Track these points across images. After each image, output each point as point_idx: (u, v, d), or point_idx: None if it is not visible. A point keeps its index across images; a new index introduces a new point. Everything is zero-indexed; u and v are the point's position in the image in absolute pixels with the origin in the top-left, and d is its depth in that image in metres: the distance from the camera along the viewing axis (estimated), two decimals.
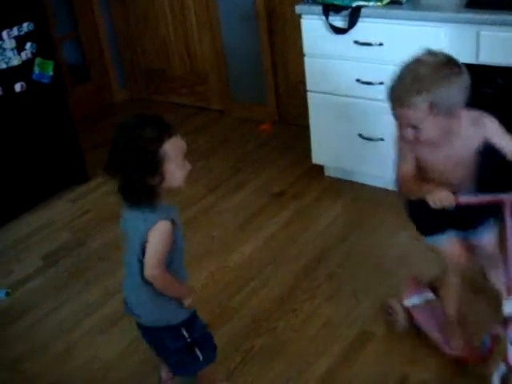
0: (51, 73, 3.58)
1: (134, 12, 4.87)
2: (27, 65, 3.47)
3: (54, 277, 3.13)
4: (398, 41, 2.97)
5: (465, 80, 1.87)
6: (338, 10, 3.05)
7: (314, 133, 3.46)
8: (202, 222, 3.40)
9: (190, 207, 3.52)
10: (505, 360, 1.96)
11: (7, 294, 3.03)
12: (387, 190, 3.37)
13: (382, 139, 3.20)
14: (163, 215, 1.87)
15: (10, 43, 3.36)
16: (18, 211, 3.64)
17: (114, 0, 4.89)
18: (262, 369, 2.42)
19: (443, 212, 1.94)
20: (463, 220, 2.18)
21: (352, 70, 3.16)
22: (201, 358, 2.08)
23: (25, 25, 3.41)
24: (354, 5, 2.99)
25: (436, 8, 2.87)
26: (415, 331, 2.43)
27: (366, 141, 3.26)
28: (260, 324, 2.64)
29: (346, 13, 3.03)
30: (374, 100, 3.14)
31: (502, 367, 1.97)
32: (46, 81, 3.57)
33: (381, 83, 3.06)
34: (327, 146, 3.45)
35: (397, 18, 2.93)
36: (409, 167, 2.08)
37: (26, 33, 3.42)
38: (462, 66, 1.89)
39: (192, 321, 2.05)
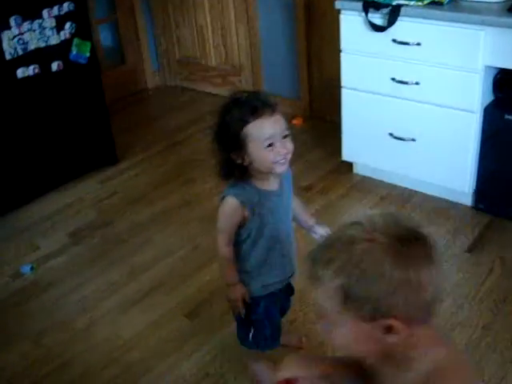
0: (88, 54, 3.61)
1: None
2: (65, 45, 3.50)
3: (78, 255, 3.16)
4: (437, 42, 2.95)
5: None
6: (377, 7, 3.04)
7: (345, 129, 3.45)
8: None
9: (216, 195, 3.48)
10: None
11: (32, 268, 3.08)
12: (415, 191, 3.37)
13: (413, 139, 3.19)
14: (235, 192, 1.89)
15: (49, 22, 3.39)
16: (47, 188, 3.68)
17: None
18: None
19: None
20: None
21: (388, 68, 3.14)
22: (250, 338, 2.13)
23: (65, 4, 3.44)
24: (394, 3, 2.98)
25: (477, 11, 2.84)
26: None
27: (397, 140, 3.25)
28: None
29: (385, 11, 3.01)
30: (407, 100, 3.14)
31: None
32: (82, 61, 3.60)
33: (416, 83, 3.06)
34: (358, 144, 3.45)
35: (436, 19, 2.91)
36: None
37: (66, 12, 3.45)
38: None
39: (254, 303, 2.06)
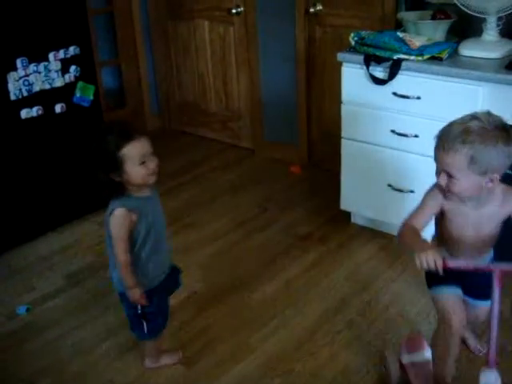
0: (92, 97, 3.66)
1: (175, 45, 4.98)
2: (69, 87, 3.55)
3: (75, 297, 3.15)
4: (436, 96, 3.00)
5: (510, 149, 1.89)
6: (379, 61, 3.10)
7: (344, 179, 3.49)
8: (226, 258, 3.42)
9: (214, 241, 3.55)
10: None
11: (28, 310, 3.06)
12: None
13: (412, 191, 3.22)
14: (121, 202, 2.25)
15: (55, 65, 3.45)
16: (45, 229, 3.69)
17: (155, 31, 5.01)
18: None
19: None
20: (475, 286, 2.19)
21: (388, 120, 3.20)
22: (145, 330, 2.45)
23: (71, 48, 3.50)
24: (395, 57, 3.04)
25: (476, 67, 2.91)
26: None
27: (396, 192, 3.28)
28: (277, 365, 2.63)
29: (386, 64, 3.08)
30: (407, 152, 3.18)
31: None
32: (85, 104, 3.64)
33: (416, 136, 3.11)
34: (356, 193, 3.48)
35: (436, 74, 2.97)
36: (419, 220, 2.10)
37: (71, 56, 3.51)
38: None
39: (148, 296, 2.36)
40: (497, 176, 1.93)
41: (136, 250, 2.33)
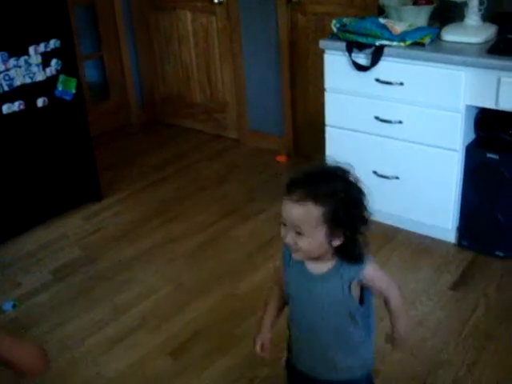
0: (74, 90, 3.62)
1: (158, 36, 4.94)
2: (51, 81, 3.52)
3: (61, 292, 3.13)
4: (419, 81, 3.00)
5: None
6: (361, 47, 3.09)
7: None
8: (212, 248, 3.41)
9: (200, 232, 3.54)
10: None
11: (14, 306, 3.04)
12: (399, 228, 3.39)
13: (397, 177, 3.22)
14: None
15: (36, 59, 3.41)
16: (30, 225, 3.66)
17: (138, 23, 4.97)
18: None
19: None
20: None
21: (371, 107, 3.19)
22: None
23: (52, 41, 3.46)
24: (377, 43, 3.03)
25: (458, 51, 2.91)
26: None
27: (381, 178, 3.28)
28: None
29: (369, 51, 3.07)
30: (391, 138, 3.18)
31: None
32: (68, 98, 3.61)
33: (399, 122, 3.10)
34: None
35: (418, 59, 2.97)
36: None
37: (52, 49, 3.47)
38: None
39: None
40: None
41: None
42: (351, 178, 1.68)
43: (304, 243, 1.61)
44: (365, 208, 1.67)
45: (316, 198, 1.58)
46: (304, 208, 1.58)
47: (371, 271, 1.70)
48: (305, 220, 1.59)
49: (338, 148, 3.38)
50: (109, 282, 3.17)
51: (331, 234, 1.61)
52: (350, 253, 1.67)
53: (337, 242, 1.63)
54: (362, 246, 1.68)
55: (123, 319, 2.90)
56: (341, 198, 1.60)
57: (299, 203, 1.58)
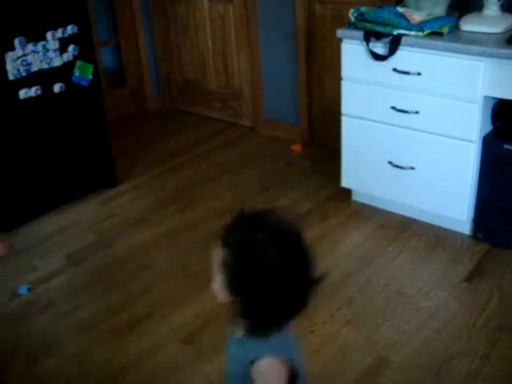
0: (91, 76, 3.63)
1: (175, 23, 4.94)
2: (68, 67, 3.53)
3: (76, 277, 3.16)
4: (437, 71, 2.98)
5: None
6: (379, 36, 3.07)
7: (344, 156, 3.47)
8: None
9: (215, 219, 3.54)
10: None
11: (29, 289, 3.07)
12: (414, 219, 3.38)
13: (412, 168, 3.20)
14: None
15: (53, 44, 3.42)
16: (46, 209, 3.68)
17: (155, 10, 4.97)
18: None
19: None
20: None
21: (388, 96, 3.17)
22: None
23: (69, 27, 3.47)
24: (395, 33, 3.01)
25: (476, 42, 2.88)
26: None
27: (396, 168, 3.27)
28: None
29: (386, 40, 3.05)
30: (407, 128, 3.16)
31: None
32: (84, 84, 3.62)
33: (416, 112, 3.08)
34: (357, 171, 3.46)
35: (437, 49, 2.94)
36: None
37: (69, 35, 3.48)
38: None
39: None
40: None
41: None
42: (297, 243, 1.44)
43: (213, 284, 1.47)
44: (290, 283, 1.39)
45: (226, 240, 1.42)
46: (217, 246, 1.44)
47: (258, 367, 1.42)
48: (213, 259, 1.47)
49: (354, 137, 3.38)
50: (123, 267, 3.19)
51: (227, 287, 1.42)
52: (250, 325, 1.44)
53: (228, 300, 1.44)
54: (271, 325, 1.43)
55: (136, 306, 2.92)
56: (251, 251, 1.38)
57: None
